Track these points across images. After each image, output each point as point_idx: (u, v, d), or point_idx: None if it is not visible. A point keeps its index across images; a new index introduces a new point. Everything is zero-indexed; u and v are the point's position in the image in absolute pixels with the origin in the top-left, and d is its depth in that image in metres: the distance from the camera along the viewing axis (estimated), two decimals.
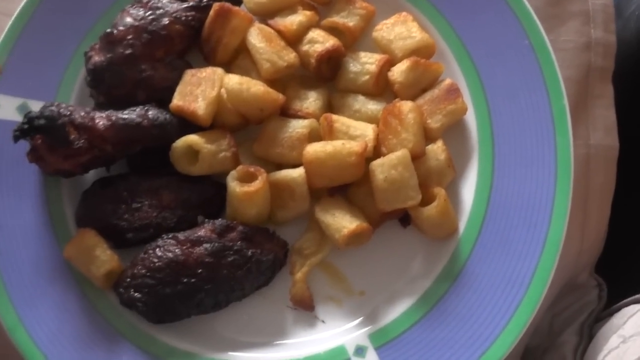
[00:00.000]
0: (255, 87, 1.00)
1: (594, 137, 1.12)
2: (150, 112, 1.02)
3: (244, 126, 1.07)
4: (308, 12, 1.08)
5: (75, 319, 1.01)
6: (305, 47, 1.06)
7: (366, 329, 0.99)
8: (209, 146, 1.01)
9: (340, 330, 1.01)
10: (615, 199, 1.12)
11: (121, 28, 1.04)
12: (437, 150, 1.01)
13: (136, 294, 0.98)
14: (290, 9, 1.08)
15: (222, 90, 1.03)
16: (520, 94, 1.03)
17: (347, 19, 1.08)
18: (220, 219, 1.00)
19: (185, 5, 1.07)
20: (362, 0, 1.09)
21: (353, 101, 1.05)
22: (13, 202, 1.04)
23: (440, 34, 1.08)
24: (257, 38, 1.05)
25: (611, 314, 1.09)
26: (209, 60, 1.09)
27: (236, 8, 1.06)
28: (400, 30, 1.06)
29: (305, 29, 1.07)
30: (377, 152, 1.01)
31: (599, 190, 1.11)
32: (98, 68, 1.04)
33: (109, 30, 1.05)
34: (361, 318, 1.01)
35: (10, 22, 1.09)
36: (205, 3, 1.07)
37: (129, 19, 1.05)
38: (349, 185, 1.03)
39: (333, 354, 0.99)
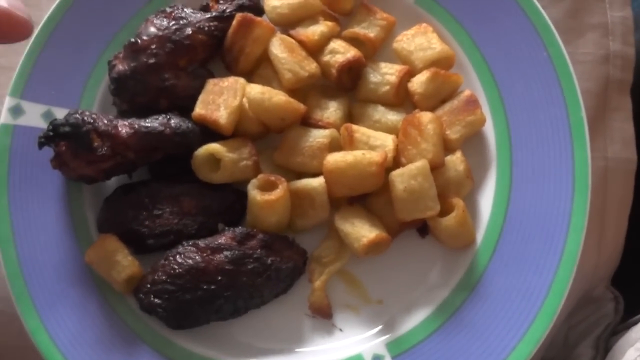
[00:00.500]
0: (277, 96, 1.01)
1: (612, 149, 1.12)
2: (172, 121, 1.03)
3: (265, 135, 1.08)
4: (329, 23, 1.09)
5: (95, 323, 1.02)
6: (326, 58, 1.07)
7: (384, 337, 1.00)
8: (231, 154, 1.02)
9: (357, 338, 1.01)
10: (632, 212, 1.12)
11: (145, 37, 1.05)
12: (456, 161, 1.02)
13: (156, 300, 0.99)
14: (311, 20, 1.09)
15: (244, 99, 1.04)
16: (538, 105, 1.03)
17: (368, 30, 1.09)
18: (240, 227, 1.02)
19: (208, 15, 1.08)
20: (382, 11, 1.10)
21: (373, 111, 1.06)
22: (37, 207, 1.06)
23: (459, 46, 1.09)
24: (279, 48, 1.06)
25: (628, 328, 1.09)
26: (231, 69, 1.10)
27: (259, 18, 1.08)
28: (421, 41, 1.07)
29: (326, 39, 1.08)
30: (396, 162, 1.01)
31: (617, 203, 1.12)
32: (122, 76, 1.05)
33: (133, 39, 1.06)
34: (379, 327, 1.01)
35: (36, 31, 1.11)
36: (228, 13, 1.09)
37: (152, 29, 1.06)
38: (368, 195, 1.03)
39: None
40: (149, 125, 1.03)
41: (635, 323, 1.08)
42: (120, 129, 1.02)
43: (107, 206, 1.06)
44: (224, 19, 1.09)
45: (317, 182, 1.01)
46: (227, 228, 1.02)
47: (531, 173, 1.02)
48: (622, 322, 1.13)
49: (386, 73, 1.06)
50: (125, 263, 1.01)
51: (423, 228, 1.04)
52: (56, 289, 1.03)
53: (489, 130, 1.05)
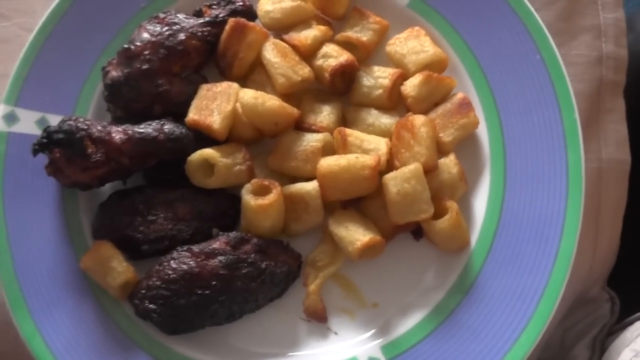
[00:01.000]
0: (270, 101, 1.02)
1: (606, 151, 1.12)
2: (166, 126, 1.03)
3: (258, 140, 1.08)
4: (322, 27, 1.09)
5: (91, 329, 1.02)
6: (319, 62, 1.07)
7: (379, 340, 1.00)
8: (224, 159, 1.02)
9: (353, 342, 1.01)
10: (627, 213, 1.12)
11: (138, 43, 1.06)
12: (449, 163, 1.02)
13: (151, 305, 0.99)
14: (304, 24, 1.09)
15: (238, 104, 1.04)
16: (531, 108, 1.04)
17: (361, 34, 1.09)
18: (234, 232, 1.02)
19: (201, 20, 1.09)
20: (375, 15, 1.10)
21: (366, 115, 1.06)
22: (32, 214, 1.06)
23: (452, 49, 1.09)
24: (272, 53, 1.06)
25: (623, 328, 1.09)
26: (224, 74, 1.10)
27: (252, 23, 1.08)
28: (413, 44, 1.08)
29: (319, 43, 1.08)
30: (390, 165, 1.02)
31: (611, 204, 1.12)
32: (115, 83, 1.05)
33: (126, 45, 1.06)
34: (374, 330, 1.02)
35: (30, 38, 1.11)
36: (221, 18, 1.09)
37: (146, 35, 1.07)
38: (362, 198, 1.03)
39: None
40: (142, 131, 1.03)
41: (631, 323, 1.08)
42: (114, 135, 1.02)
43: (102, 212, 1.06)
44: (217, 24, 1.09)
45: (311, 186, 1.01)
46: (221, 233, 1.02)
47: (525, 175, 1.02)
48: (618, 323, 1.13)
49: (379, 77, 1.07)
50: (120, 269, 1.01)
51: (417, 231, 1.04)
52: (51, 296, 1.03)
53: (482, 132, 1.06)
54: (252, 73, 1.10)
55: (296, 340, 1.03)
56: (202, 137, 1.04)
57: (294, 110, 1.04)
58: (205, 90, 1.06)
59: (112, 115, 1.09)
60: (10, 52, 1.18)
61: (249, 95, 1.02)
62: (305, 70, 1.06)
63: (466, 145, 1.06)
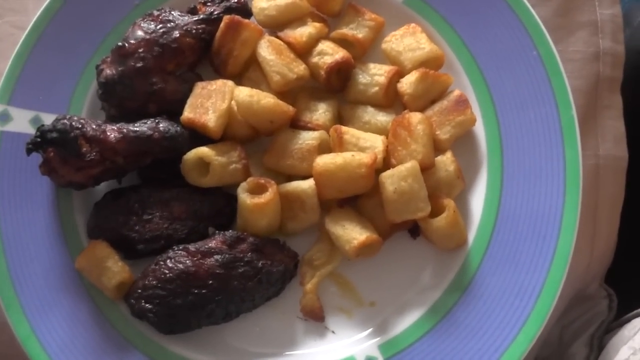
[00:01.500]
0: (266, 99, 1.01)
1: (603, 147, 1.12)
2: (161, 125, 1.03)
3: (254, 138, 1.07)
4: (317, 24, 1.08)
5: (86, 329, 1.02)
6: (314, 59, 1.07)
7: (376, 339, 1.00)
8: (220, 158, 1.02)
9: (350, 341, 1.01)
10: (624, 209, 1.12)
11: (132, 41, 1.05)
12: (446, 161, 1.02)
13: (147, 305, 0.98)
14: (299, 21, 1.09)
15: (233, 102, 1.03)
16: (529, 104, 1.03)
17: (357, 31, 1.09)
18: (230, 231, 1.01)
19: (195, 18, 1.08)
20: (371, 12, 1.09)
21: (362, 113, 1.06)
22: (25, 214, 1.05)
23: (448, 45, 1.09)
24: (267, 50, 1.05)
25: (621, 325, 1.09)
26: (219, 72, 1.09)
27: (246, 21, 1.07)
28: (409, 41, 1.07)
29: (314, 41, 1.07)
30: (386, 163, 1.01)
31: (609, 201, 1.11)
32: (109, 81, 1.04)
33: (120, 43, 1.06)
34: (371, 329, 1.01)
35: (23, 36, 1.10)
36: (215, 16, 1.08)
37: (140, 32, 1.06)
38: (358, 197, 1.03)
39: None
40: (137, 129, 1.02)
41: (628, 320, 1.08)
42: (108, 133, 1.01)
43: (97, 212, 1.05)
44: (212, 22, 1.08)
45: (307, 184, 1.00)
46: (217, 232, 1.01)
47: (522, 172, 1.02)
48: (616, 320, 1.12)
49: (375, 74, 1.06)
50: (115, 269, 1.01)
51: (414, 229, 1.03)
52: (46, 296, 1.02)
53: (479, 130, 1.05)
54: (247, 71, 1.09)
55: (293, 339, 1.02)
56: (197, 135, 1.04)
57: (289, 108, 1.03)
58: (200, 88, 1.05)
59: (106, 114, 1.09)
60: (3, 50, 1.17)
61: (244, 93, 1.01)
62: (300, 68, 1.05)
63: (463, 142, 1.05)
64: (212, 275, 0.98)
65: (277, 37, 1.08)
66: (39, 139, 1.01)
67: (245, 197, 0.99)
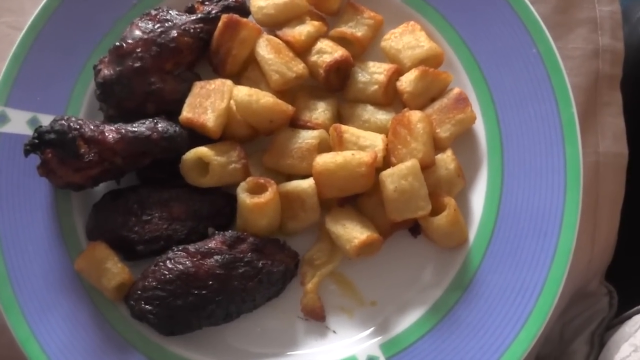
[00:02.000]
0: (265, 98, 1.01)
1: (603, 144, 1.12)
2: (159, 125, 1.02)
3: (253, 137, 1.07)
4: (316, 23, 1.08)
5: (86, 331, 1.01)
6: (313, 58, 1.06)
7: (377, 339, 1.00)
8: (219, 158, 1.01)
9: (351, 340, 1.01)
10: (624, 206, 1.12)
11: (130, 41, 1.04)
12: (446, 159, 1.01)
13: (147, 306, 0.98)
14: (298, 20, 1.08)
15: (232, 102, 1.03)
16: (528, 102, 1.03)
17: (355, 29, 1.08)
18: (230, 231, 1.01)
19: (193, 17, 1.08)
20: (370, 10, 1.09)
21: (362, 111, 1.05)
22: (24, 216, 1.05)
23: (448, 43, 1.08)
24: (266, 49, 1.05)
25: (622, 322, 1.09)
26: (218, 72, 1.09)
27: (245, 19, 1.07)
28: (409, 39, 1.07)
29: (313, 39, 1.07)
30: (386, 162, 1.01)
31: (609, 198, 1.11)
32: (107, 81, 1.04)
33: (118, 43, 1.05)
34: (372, 328, 1.01)
35: (20, 36, 1.10)
36: (213, 15, 1.08)
37: (137, 32, 1.05)
38: (359, 196, 1.03)
39: None
40: (135, 129, 1.02)
41: (629, 317, 1.08)
42: (107, 134, 1.01)
43: (96, 213, 1.05)
44: (210, 21, 1.08)
45: (307, 183, 1.00)
46: (217, 232, 1.01)
47: (523, 170, 1.01)
48: (617, 317, 1.13)
49: (374, 72, 1.06)
50: (115, 270, 1.00)
51: (415, 228, 1.03)
52: (46, 298, 1.02)
53: (479, 128, 1.05)
54: (246, 70, 1.08)
55: (294, 339, 1.02)
56: (196, 135, 1.03)
57: (288, 107, 1.03)
58: (198, 87, 1.04)
59: (104, 114, 1.08)
60: None
61: (243, 92, 1.01)
62: (299, 67, 1.05)
63: (463, 140, 1.05)
64: (212, 275, 0.97)
65: (276, 35, 1.08)
66: (36, 140, 1.00)
67: (245, 197, 0.99)
